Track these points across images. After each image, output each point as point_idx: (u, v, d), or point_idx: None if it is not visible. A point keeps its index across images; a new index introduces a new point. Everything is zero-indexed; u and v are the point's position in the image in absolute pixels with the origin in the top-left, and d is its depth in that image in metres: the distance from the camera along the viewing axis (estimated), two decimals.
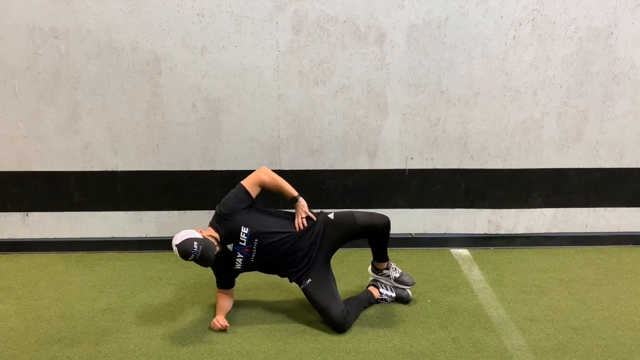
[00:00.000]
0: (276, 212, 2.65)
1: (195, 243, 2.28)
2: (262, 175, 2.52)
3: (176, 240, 2.32)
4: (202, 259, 2.31)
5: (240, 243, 2.48)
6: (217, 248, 2.41)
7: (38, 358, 2.31)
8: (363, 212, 2.60)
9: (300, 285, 2.57)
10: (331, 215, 2.61)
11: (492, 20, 3.12)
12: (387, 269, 2.76)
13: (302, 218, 2.56)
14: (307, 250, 2.55)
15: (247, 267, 2.57)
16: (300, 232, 2.54)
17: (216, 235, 2.45)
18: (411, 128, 3.31)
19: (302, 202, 2.58)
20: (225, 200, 2.51)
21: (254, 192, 2.51)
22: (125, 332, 2.52)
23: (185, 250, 2.27)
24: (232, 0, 3.06)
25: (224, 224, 2.47)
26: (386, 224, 2.56)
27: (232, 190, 2.53)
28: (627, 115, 3.31)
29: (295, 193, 2.57)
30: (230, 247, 2.49)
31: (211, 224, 2.51)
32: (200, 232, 2.41)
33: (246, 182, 2.52)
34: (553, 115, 3.30)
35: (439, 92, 3.25)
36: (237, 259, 2.52)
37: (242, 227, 2.47)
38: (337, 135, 3.31)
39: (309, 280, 2.55)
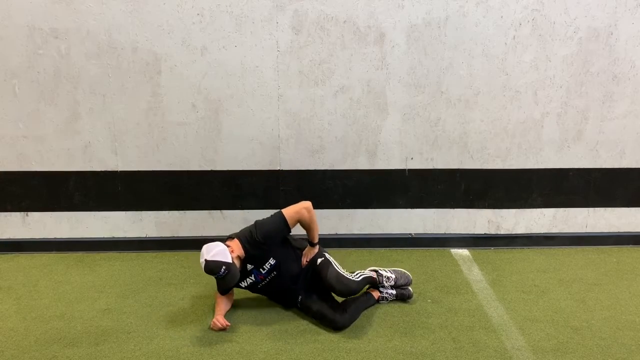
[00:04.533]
0: (296, 245, 2.70)
1: (224, 268, 2.35)
2: (305, 212, 2.52)
3: (207, 255, 2.36)
4: (222, 281, 2.42)
5: (261, 270, 2.55)
6: (239, 266, 2.47)
7: (38, 358, 2.31)
8: (334, 274, 2.55)
9: (296, 307, 2.69)
10: (319, 261, 2.64)
11: (492, 20, 3.11)
12: (380, 283, 2.77)
13: (306, 260, 2.65)
14: (302, 284, 2.66)
15: (251, 288, 2.66)
16: (302, 269, 2.65)
17: (242, 254, 2.48)
18: (411, 128, 3.31)
19: (315, 249, 2.66)
20: (265, 228, 2.49)
21: (292, 224, 2.53)
22: (125, 332, 2.52)
23: (212, 269, 2.35)
24: (232, 0, 3.06)
25: (255, 249, 2.49)
26: (346, 293, 2.57)
27: (272, 217, 2.53)
28: (627, 115, 3.31)
29: (316, 240, 2.63)
30: (249, 267, 2.56)
31: (241, 240, 2.50)
32: (232, 250, 2.43)
33: (287, 213, 2.50)
34: (553, 115, 3.30)
35: (439, 92, 3.25)
36: (248, 279, 2.60)
37: (271, 259, 2.53)
38: (337, 135, 3.31)
39: (300, 297, 2.66)
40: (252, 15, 3.09)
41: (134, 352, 2.36)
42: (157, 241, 3.48)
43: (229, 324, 2.53)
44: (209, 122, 3.27)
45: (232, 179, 3.38)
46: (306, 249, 2.68)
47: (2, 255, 3.42)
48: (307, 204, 2.54)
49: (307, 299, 2.63)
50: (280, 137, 3.31)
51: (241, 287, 2.65)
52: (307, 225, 2.56)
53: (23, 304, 2.80)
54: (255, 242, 2.47)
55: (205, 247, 2.41)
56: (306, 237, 2.65)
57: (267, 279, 2.59)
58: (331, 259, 2.66)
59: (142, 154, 3.33)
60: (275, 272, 2.57)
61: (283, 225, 2.49)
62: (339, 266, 2.62)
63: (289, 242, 2.67)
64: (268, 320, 2.62)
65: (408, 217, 3.50)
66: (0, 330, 2.53)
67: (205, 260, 2.34)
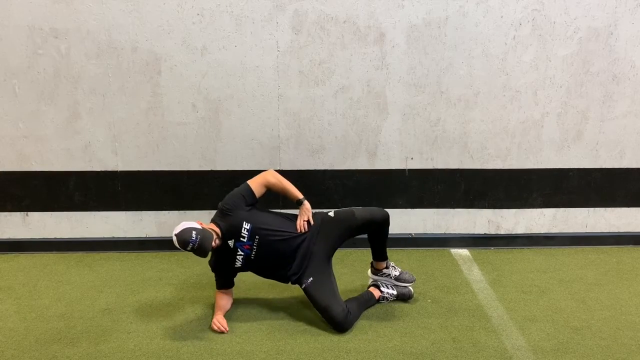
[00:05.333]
0: (278, 212, 2.68)
1: (194, 232, 2.31)
2: (269, 176, 2.56)
3: (176, 230, 2.36)
4: (199, 249, 2.33)
5: (242, 239, 2.50)
6: (217, 241, 2.43)
7: (38, 358, 2.31)
8: (362, 208, 2.62)
9: (301, 286, 2.59)
10: (331, 214, 2.64)
11: (492, 20, 3.12)
12: (387, 268, 2.77)
13: (304, 221, 2.58)
14: (307, 250, 2.57)
15: (248, 265, 2.57)
16: (301, 233, 2.57)
17: (217, 229, 2.47)
18: (411, 128, 3.31)
19: (307, 205, 2.61)
20: (229, 196, 2.53)
21: (258, 192, 2.53)
22: (125, 332, 2.52)
23: (184, 239, 2.30)
24: (232, 0, 3.06)
25: (225, 219, 2.48)
26: (385, 218, 2.58)
27: (236, 188, 2.56)
28: (627, 115, 3.31)
29: (300, 196, 2.59)
30: (231, 243, 2.51)
31: (213, 220, 2.53)
32: (201, 224, 2.43)
33: (252, 182, 2.55)
34: (553, 115, 3.30)
35: (439, 92, 3.25)
36: (238, 256, 2.53)
37: (244, 223, 2.49)
38: (337, 135, 3.31)
39: (310, 279, 2.56)
40: (252, 15, 3.09)
41: (134, 352, 2.36)
42: (157, 241, 3.48)
43: (228, 329, 2.51)
44: (209, 122, 3.28)
45: (232, 179, 3.37)
46: (300, 209, 2.61)
47: (2, 255, 3.42)
48: (270, 170, 2.59)
49: (313, 288, 2.54)
50: (280, 137, 3.31)
51: (239, 268, 2.58)
52: (279, 188, 2.56)
53: (23, 304, 2.80)
54: (223, 213, 2.48)
55: (174, 229, 2.38)
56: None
57: (255, 247, 2.51)
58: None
59: (142, 154, 3.33)
60: (258, 237, 2.49)
61: (247, 191, 2.51)
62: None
63: (258, 209, 2.60)
64: (268, 320, 2.62)
65: (408, 217, 3.50)
66: (0, 330, 2.53)
67: (175, 235, 2.33)
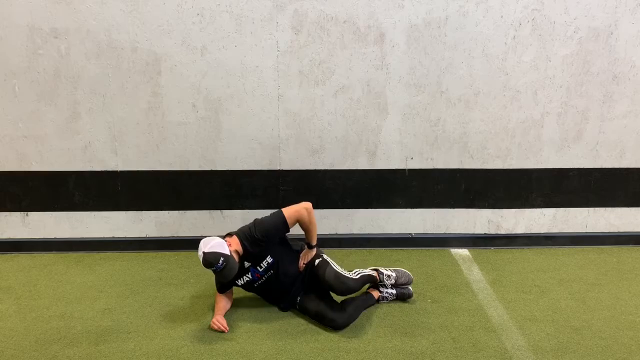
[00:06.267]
0: (293, 246, 2.72)
1: (222, 259, 2.34)
2: (304, 212, 2.53)
3: (205, 247, 2.36)
4: (220, 275, 2.39)
5: (258, 268, 2.56)
6: (237, 265, 2.46)
7: (38, 358, 2.31)
8: (333, 272, 2.56)
9: (295, 308, 2.70)
10: (317, 261, 2.66)
11: (492, 20, 3.12)
12: (381, 281, 2.77)
13: (304, 263, 2.67)
14: (299, 286, 2.68)
15: (248, 286, 2.66)
16: (299, 273, 2.67)
17: (240, 249, 2.49)
18: (411, 128, 3.31)
19: (313, 252, 2.68)
20: (264, 225, 2.50)
21: (291, 223, 2.53)
22: (125, 332, 2.52)
23: (210, 262, 2.33)
24: (232, 0, 3.06)
25: (253, 246, 2.49)
26: (345, 291, 2.55)
27: (272, 215, 2.54)
28: (627, 115, 3.31)
29: (314, 242, 2.65)
30: (246, 264, 2.56)
31: (239, 236, 2.51)
32: (229, 244, 2.43)
33: (287, 213, 2.51)
34: (553, 115, 3.30)
35: (439, 92, 3.25)
36: (245, 276, 2.60)
37: (268, 257, 2.54)
38: (337, 135, 3.31)
39: (298, 298, 2.67)
40: (252, 15, 3.09)
41: (134, 352, 2.36)
42: (157, 241, 3.48)
43: (228, 328, 2.52)
44: (209, 122, 3.27)
45: (232, 179, 3.38)
46: (304, 251, 2.69)
47: (2, 255, 3.42)
48: (308, 204, 2.55)
49: (305, 301, 2.64)
50: (280, 137, 3.31)
51: (237, 285, 2.65)
52: (306, 226, 2.57)
53: (23, 304, 2.80)
54: (253, 240, 2.47)
55: (202, 241, 2.41)
56: (303, 237, 2.66)
57: (264, 278, 2.59)
58: (329, 258, 2.66)
59: (142, 154, 3.33)
60: (272, 271, 2.57)
61: (282, 224, 2.50)
62: (337, 265, 2.62)
63: (287, 243, 2.68)
64: (268, 320, 2.62)
65: (408, 217, 3.50)
66: (0, 330, 2.53)
67: (203, 252, 2.34)
